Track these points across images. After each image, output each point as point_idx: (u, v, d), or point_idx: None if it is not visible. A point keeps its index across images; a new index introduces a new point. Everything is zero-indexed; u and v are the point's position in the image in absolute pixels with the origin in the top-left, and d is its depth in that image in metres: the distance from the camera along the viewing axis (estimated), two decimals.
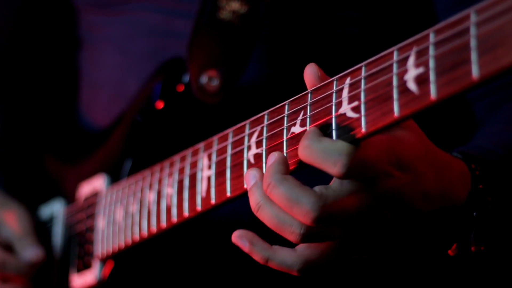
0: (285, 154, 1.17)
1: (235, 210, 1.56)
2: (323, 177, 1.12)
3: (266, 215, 1.12)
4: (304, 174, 1.16)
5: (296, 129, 1.16)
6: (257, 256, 1.16)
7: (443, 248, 1.21)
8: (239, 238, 1.17)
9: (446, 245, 1.21)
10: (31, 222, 1.75)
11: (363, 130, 1.07)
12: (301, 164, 1.14)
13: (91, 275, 1.60)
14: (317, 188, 1.09)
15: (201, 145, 1.34)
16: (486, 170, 1.21)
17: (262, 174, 1.15)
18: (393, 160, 1.09)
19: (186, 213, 1.35)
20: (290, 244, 1.16)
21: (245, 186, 1.23)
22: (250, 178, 1.16)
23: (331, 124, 1.11)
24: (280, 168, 1.12)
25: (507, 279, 1.81)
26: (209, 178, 1.30)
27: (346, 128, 1.09)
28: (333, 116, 1.11)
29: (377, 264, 1.61)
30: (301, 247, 1.15)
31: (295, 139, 1.16)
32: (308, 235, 1.11)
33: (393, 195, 1.10)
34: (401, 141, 1.10)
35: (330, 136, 1.11)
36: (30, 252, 1.69)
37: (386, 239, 1.14)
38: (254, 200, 1.14)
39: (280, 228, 1.12)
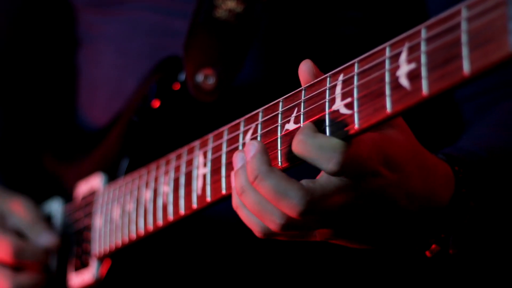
0: (279, 151, 1.17)
1: (232, 208, 1.56)
2: (310, 171, 1.12)
3: (249, 200, 1.13)
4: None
5: (290, 126, 1.17)
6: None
7: (421, 248, 1.21)
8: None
9: (424, 246, 1.21)
10: (38, 210, 1.75)
11: (356, 126, 1.07)
12: (294, 161, 1.15)
13: (89, 273, 1.61)
14: (304, 182, 1.09)
15: (196, 143, 1.34)
16: (469, 173, 1.21)
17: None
18: (383, 159, 1.10)
19: (182, 211, 1.35)
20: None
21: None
22: (238, 160, 1.16)
23: (324, 121, 1.11)
24: (265, 159, 1.12)
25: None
26: (204, 176, 1.30)
27: (340, 125, 1.09)
28: (327, 112, 1.11)
29: (367, 263, 1.62)
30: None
31: (290, 136, 1.16)
32: (287, 225, 1.11)
33: (378, 193, 1.10)
34: (391, 140, 1.11)
35: (324, 132, 1.11)
36: (45, 238, 1.69)
37: (368, 235, 1.15)
38: (239, 183, 1.14)
39: (262, 214, 1.12)
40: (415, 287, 1.67)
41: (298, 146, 1.09)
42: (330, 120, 1.11)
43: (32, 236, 1.69)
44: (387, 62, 1.05)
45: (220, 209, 1.54)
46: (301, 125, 1.14)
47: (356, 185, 1.09)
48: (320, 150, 1.07)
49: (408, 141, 1.13)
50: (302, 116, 1.15)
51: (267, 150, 1.14)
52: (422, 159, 1.14)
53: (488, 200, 1.23)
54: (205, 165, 1.31)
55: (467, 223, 1.20)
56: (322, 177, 1.10)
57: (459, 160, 1.21)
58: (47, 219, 1.75)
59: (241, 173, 1.14)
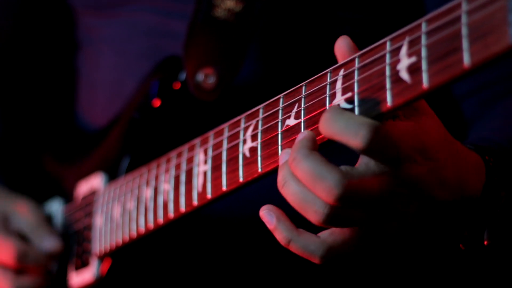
0: (279, 147, 1.17)
1: (233, 207, 1.56)
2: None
3: (290, 191, 1.10)
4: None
5: (291, 121, 1.17)
6: (281, 235, 1.12)
7: (456, 241, 1.19)
8: (267, 212, 1.14)
9: (458, 239, 1.19)
10: (43, 213, 1.75)
11: None
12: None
13: (89, 272, 1.61)
14: (343, 167, 1.07)
15: (197, 141, 1.35)
16: (500, 163, 1.20)
17: None
18: (418, 145, 1.08)
19: (182, 208, 1.35)
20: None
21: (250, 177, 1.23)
22: (283, 155, 1.14)
23: None
24: (308, 144, 1.10)
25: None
26: (205, 173, 1.31)
27: None
28: (327, 107, 1.12)
29: (384, 263, 1.61)
30: (324, 234, 1.12)
31: (290, 131, 1.17)
32: (331, 216, 1.07)
33: (415, 181, 1.09)
34: (425, 128, 1.09)
35: None
36: (49, 242, 1.68)
37: (403, 229, 1.12)
38: (281, 175, 1.11)
39: (303, 206, 1.08)
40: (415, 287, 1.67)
41: (325, 124, 1.07)
42: None
43: (36, 240, 1.69)
44: (387, 56, 1.05)
45: (220, 207, 1.55)
46: (302, 121, 1.15)
47: (393, 172, 1.07)
48: (347, 125, 1.05)
49: (440, 129, 1.12)
50: (302, 111, 1.15)
51: (315, 138, 1.11)
52: (454, 148, 1.13)
53: None
54: (205, 162, 1.31)
55: (499, 213, 1.19)
56: (360, 164, 1.08)
57: (488, 150, 1.20)
58: (49, 220, 1.76)
59: (283, 166, 1.12)
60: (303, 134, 1.12)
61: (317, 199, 1.08)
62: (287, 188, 1.10)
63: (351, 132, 1.05)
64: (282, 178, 1.11)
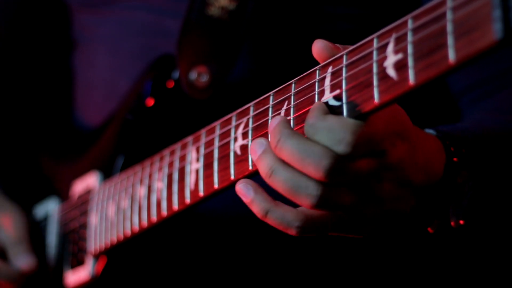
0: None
1: (226, 205, 1.57)
2: None
3: (279, 178, 1.09)
4: None
5: None
6: (258, 207, 1.12)
7: (424, 224, 1.20)
8: (244, 185, 1.13)
9: (426, 222, 1.20)
10: (26, 227, 1.75)
11: None
12: None
13: (85, 271, 1.61)
14: None
15: (189, 139, 1.35)
16: (459, 144, 1.20)
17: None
18: (398, 128, 1.09)
19: (175, 206, 1.36)
20: None
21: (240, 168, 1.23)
22: (257, 146, 1.13)
23: None
24: (287, 125, 1.10)
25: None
26: (197, 171, 1.31)
27: None
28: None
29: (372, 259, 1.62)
30: (303, 207, 1.11)
31: None
32: (323, 198, 1.07)
33: (396, 164, 1.09)
34: (399, 110, 1.10)
35: None
36: (22, 260, 1.69)
37: (381, 214, 1.12)
38: (266, 165, 1.11)
39: (295, 191, 1.08)
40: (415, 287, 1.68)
41: (309, 132, 1.08)
42: None
43: (11, 256, 1.71)
44: (374, 53, 1.06)
45: (214, 205, 1.55)
46: (291, 118, 1.15)
47: (381, 159, 1.08)
48: (329, 132, 1.06)
49: (405, 112, 1.12)
50: (292, 109, 1.16)
51: (289, 122, 1.12)
52: (418, 130, 1.14)
53: (485, 174, 1.22)
54: (197, 160, 1.32)
55: (465, 194, 1.19)
56: None
57: (448, 134, 1.20)
58: (41, 222, 1.77)
59: (264, 156, 1.12)
60: (278, 118, 1.12)
61: (309, 182, 1.07)
62: (276, 176, 1.10)
63: (334, 139, 1.05)
64: (267, 167, 1.11)
